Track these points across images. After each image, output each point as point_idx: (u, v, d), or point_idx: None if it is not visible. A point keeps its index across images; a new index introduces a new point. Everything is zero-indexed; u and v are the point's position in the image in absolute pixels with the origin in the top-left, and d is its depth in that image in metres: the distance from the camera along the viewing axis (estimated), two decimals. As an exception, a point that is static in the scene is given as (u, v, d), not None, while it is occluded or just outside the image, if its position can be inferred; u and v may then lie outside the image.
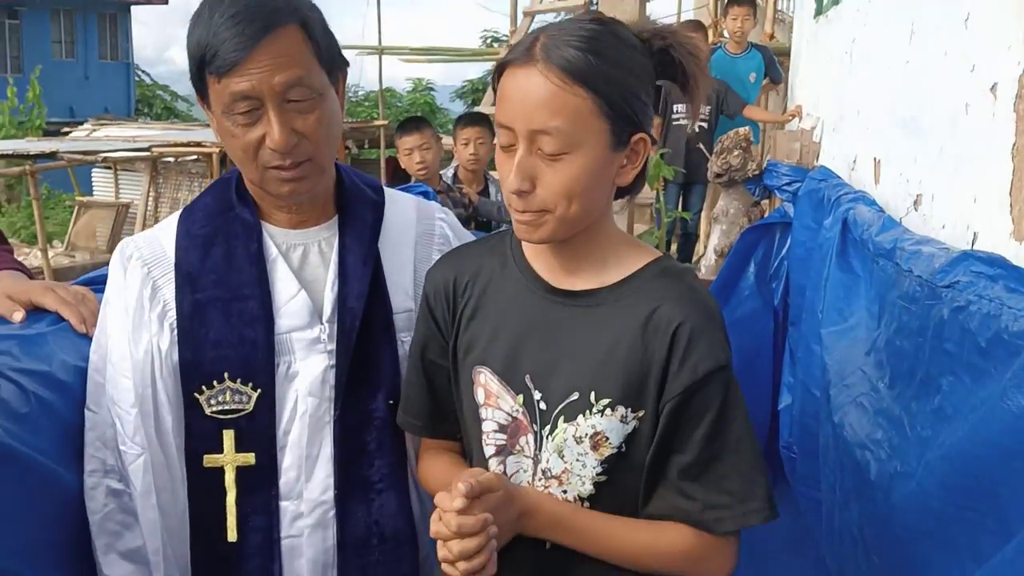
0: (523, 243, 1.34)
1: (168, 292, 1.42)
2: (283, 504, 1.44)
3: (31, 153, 11.38)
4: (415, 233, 1.56)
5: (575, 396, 1.25)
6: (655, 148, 5.75)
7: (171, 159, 12.70)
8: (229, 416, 1.41)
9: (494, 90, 1.25)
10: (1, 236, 1.74)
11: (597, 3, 9.44)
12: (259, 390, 1.41)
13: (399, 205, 1.58)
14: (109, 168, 14.24)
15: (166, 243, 1.45)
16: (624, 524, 1.26)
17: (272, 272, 1.43)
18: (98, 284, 1.61)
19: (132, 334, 1.40)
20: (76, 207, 13.59)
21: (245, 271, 1.42)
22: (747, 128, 3.05)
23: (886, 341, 1.63)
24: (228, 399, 1.40)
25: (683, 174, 5.60)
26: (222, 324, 1.40)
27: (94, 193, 15.24)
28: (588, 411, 1.24)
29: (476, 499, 1.16)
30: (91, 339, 1.46)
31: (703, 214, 6.09)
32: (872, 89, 2.68)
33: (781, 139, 3.00)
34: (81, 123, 18.32)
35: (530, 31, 1.23)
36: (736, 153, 2.94)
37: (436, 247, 1.56)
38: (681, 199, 5.98)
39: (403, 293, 1.50)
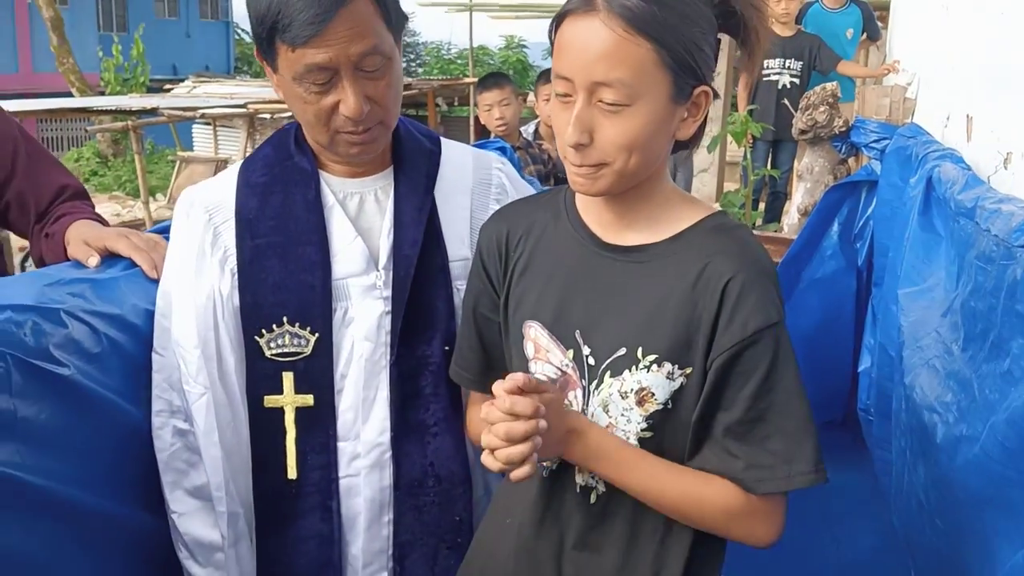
0: (576, 197, 1.33)
1: (229, 238, 1.46)
2: (341, 445, 1.48)
3: (134, 109, 11.76)
4: (472, 182, 1.57)
5: (622, 351, 1.24)
6: (744, 104, 5.62)
7: (267, 115, 12.94)
8: (288, 359, 1.44)
9: (551, 41, 1.22)
10: (84, 192, 1.82)
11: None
12: (317, 334, 1.44)
13: (455, 155, 1.59)
14: (208, 124, 14.59)
15: (227, 191, 1.49)
16: (671, 468, 1.25)
17: (329, 219, 1.46)
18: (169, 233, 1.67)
19: (194, 278, 1.45)
20: (177, 162, 13.99)
21: (303, 218, 1.45)
22: (834, 84, 2.94)
23: (961, 302, 1.57)
24: (287, 342, 1.44)
25: (772, 131, 5.46)
26: (281, 269, 1.44)
27: (194, 148, 15.65)
28: (634, 367, 1.23)
29: (531, 392, 1.14)
30: None
31: (793, 172, 5.94)
32: (967, 42, 2.56)
33: (870, 95, 2.89)
34: (182, 80, 18.81)
35: None
36: (822, 109, 2.84)
37: (494, 196, 1.57)
38: (770, 157, 5.84)
39: (459, 241, 1.52)
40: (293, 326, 1.44)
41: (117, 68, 18.75)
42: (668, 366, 1.22)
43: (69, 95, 17.26)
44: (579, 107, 1.16)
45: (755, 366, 1.19)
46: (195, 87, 16.21)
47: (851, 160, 3.10)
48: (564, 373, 1.30)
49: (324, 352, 1.45)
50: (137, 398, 1.45)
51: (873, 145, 2.75)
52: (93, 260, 1.53)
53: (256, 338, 1.45)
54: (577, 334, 1.27)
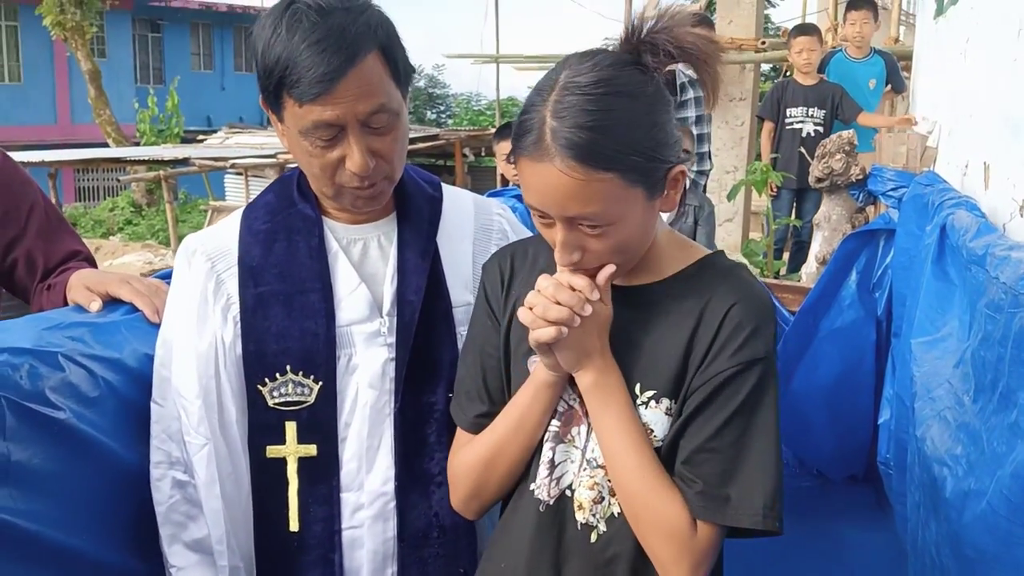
0: None
1: (232, 286, 1.45)
2: (344, 495, 1.46)
3: (167, 159, 11.98)
4: (473, 227, 1.57)
5: None
6: (768, 153, 5.62)
7: (295, 165, 13.14)
8: (291, 408, 1.43)
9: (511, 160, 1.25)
10: (93, 260, 1.83)
11: (715, 9, 9.28)
12: (320, 382, 1.43)
13: (457, 200, 1.59)
14: (240, 174, 14.82)
15: (229, 239, 1.48)
16: (651, 458, 1.22)
17: (333, 266, 1.46)
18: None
19: (196, 327, 1.44)
20: (209, 211, 14.20)
21: (307, 265, 1.45)
22: (851, 131, 2.93)
23: (972, 352, 1.54)
24: (290, 391, 1.43)
25: (796, 180, 5.45)
26: (284, 317, 1.43)
27: (226, 198, 15.88)
28: (633, 402, 1.23)
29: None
30: None
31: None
32: (984, 91, 2.55)
33: (887, 143, 2.87)
34: (216, 131, 19.16)
35: (533, 100, 1.17)
36: (839, 157, 2.83)
37: (495, 242, 1.57)
38: (795, 206, 5.81)
39: (462, 287, 1.52)
40: (296, 374, 1.43)
41: (152, 119, 19.14)
42: (666, 402, 1.22)
43: (105, 146, 17.65)
44: (563, 235, 1.17)
45: (733, 396, 1.18)
46: (228, 138, 16.52)
47: (869, 208, 3.08)
48: (570, 407, 1.30)
49: (327, 401, 1.44)
50: (134, 443, 1.45)
51: (890, 193, 2.73)
52: (94, 305, 1.54)
53: (259, 387, 1.44)
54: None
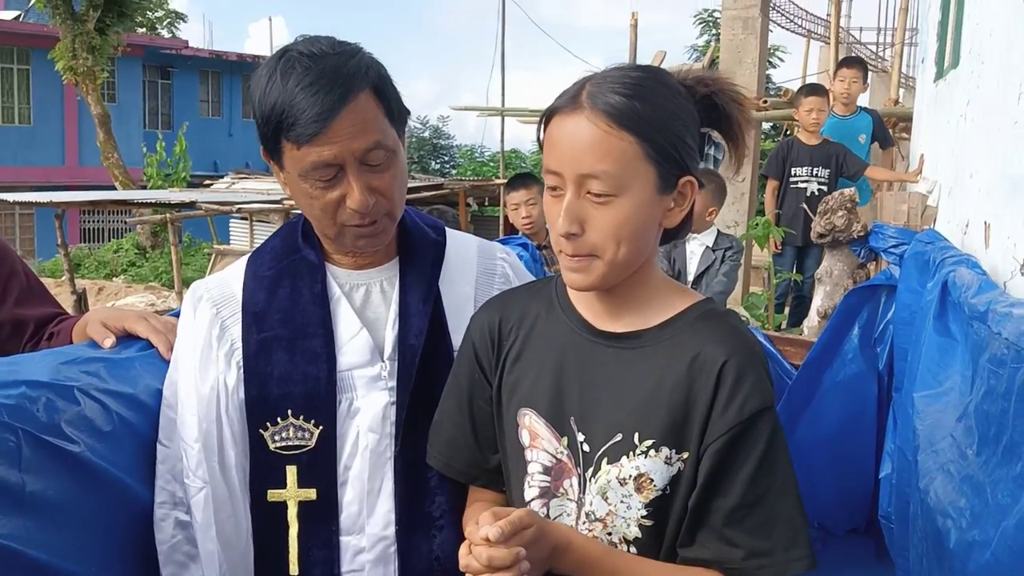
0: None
1: (236, 331, 1.47)
2: (344, 539, 1.46)
3: (173, 202, 12.06)
4: (476, 272, 1.59)
5: (618, 437, 1.24)
6: (772, 211, 5.67)
7: (300, 211, 13.21)
8: (292, 452, 1.44)
9: (538, 141, 1.27)
10: (71, 318, 1.79)
11: (718, 67, 9.43)
12: (321, 427, 1.44)
13: (460, 244, 1.61)
14: (245, 219, 14.92)
15: (235, 285, 1.51)
16: (655, 568, 1.24)
17: (335, 311, 1.48)
18: (189, 316, 1.70)
19: (199, 371, 1.46)
20: (213, 254, 14.27)
21: (309, 310, 1.47)
22: (852, 189, 2.97)
23: (975, 406, 1.56)
24: (291, 435, 1.44)
25: (800, 236, 5.50)
26: (286, 362, 1.45)
27: (231, 242, 15.97)
28: (631, 452, 1.23)
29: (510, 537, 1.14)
30: None
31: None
32: (985, 151, 2.60)
33: (888, 201, 2.91)
34: (222, 176, 19.31)
35: (578, 79, 1.24)
36: (840, 214, 2.86)
37: (497, 286, 1.58)
38: (797, 262, 5.85)
39: (463, 330, 1.52)
40: (297, 419, 1.44)
41: (160, 164, 19.29)
42: (666, 451, 1.22)
43: (113, 189, 17.77)
44: (569, 199, 1.19)
45: (752, 449, 1.19)
46: (234, 183, 16.64)
47: (870, 264, 3.11)
48: (559, 461, 1.30)
49: (328, 445, 1.45)
50: (146, 478, 1.46)
51: (892, 250, 2.76)
52: (108, 341, 1.56)
53: (260, 431, 1.45)
54: (572, 421, 1.28)
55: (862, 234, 2.90)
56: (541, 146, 1.26)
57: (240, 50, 28.23)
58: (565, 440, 1.28)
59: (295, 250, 1.51)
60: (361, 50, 1.39)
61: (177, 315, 1.67)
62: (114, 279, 16.74)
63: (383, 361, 1.48)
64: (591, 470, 1.26)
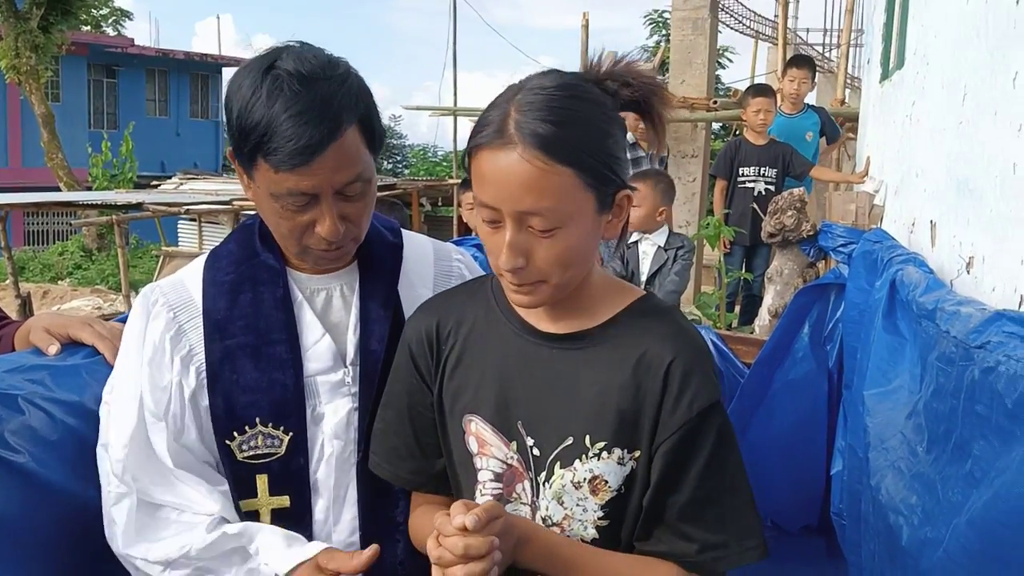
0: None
1: (194, 337, 1.43)
2: None
3: (119, 204, 11.84)
4: (433, 273, 1.58)
5: (569, 441, 1.24)
6: (720, 209, 5.73)
7: (252, 212, 13.05)
8: (261, 460, 1.42)
9: (465, 167, 1.23)
10: (13, 322, 1.73)
11: (668, 74, 9.50)
12: (291, 433, 1.42)
13: (416, 246, 1.60)
14: (193, 220, 14.69)
15: (192, 289, 1.46)
16: (616, 559, 1.24)
17: (298, 316, 1.45)
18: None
19: (148, 374, 1.40)
20: (161, 256, 14.03)
21: (273, 316, 1.44)
22: (801, 189, 3.01)
23: (925, 404, 1.58)
24: (260, 443, 1.42)
25: (748, 235, 5.56)
26: (252, 369, 1.42)
27: (179, 244, 15.72)
28: (584, 455, 1.23)
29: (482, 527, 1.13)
30: None
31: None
32: (930, 151, 2.64)
33: (836, 200, 2.95)
34: (170, 177, 19.01)
35: (496, 101, 1.19)
36: (790, 213, 2.90)
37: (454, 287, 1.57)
38: (746, 261, 5.92)
39: None
40: (266, 427, 1.42)
41: (106, 164, 18.94)
42: (618, 451, 1.22)
43: (57, 190, 17.41)
44: (511, 234, 1.16)
45: (702, 445, 1.20)
46: (182, 184, 16.37)
47: (820, 263, 3.15)
48: (509, 466, 1.29)
49: (299, 451, 1.43)
50: (93, 486, 1.42)
51: (840, 249, 2.80)
52: (53, 348, 1.52)
53: (227, 442, 1.42)
54: (520, 425, 1.27)
55: (811, 233, 2.94)
56: (468, 175, 1.22)
57: (188, 48, 27.80)
58: (514, 445, 1.28)
59: (253, 254, 1.47)
60: (351, 73, 1.34)
61: (124, 320, 1.63)
62: (59, 282, 16.39)
63: (346, 367, 1.46)
64: (543, 474, 1.26)
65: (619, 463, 1.23)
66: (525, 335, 1.29)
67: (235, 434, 1.41)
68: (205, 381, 1.41)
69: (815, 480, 2.73)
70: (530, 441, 1.26)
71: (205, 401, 1.42)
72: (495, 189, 1.15)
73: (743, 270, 5.76)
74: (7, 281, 12.03)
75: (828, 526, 2.56)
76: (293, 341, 1.43)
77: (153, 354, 1.41)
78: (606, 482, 1.23)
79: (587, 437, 1.23)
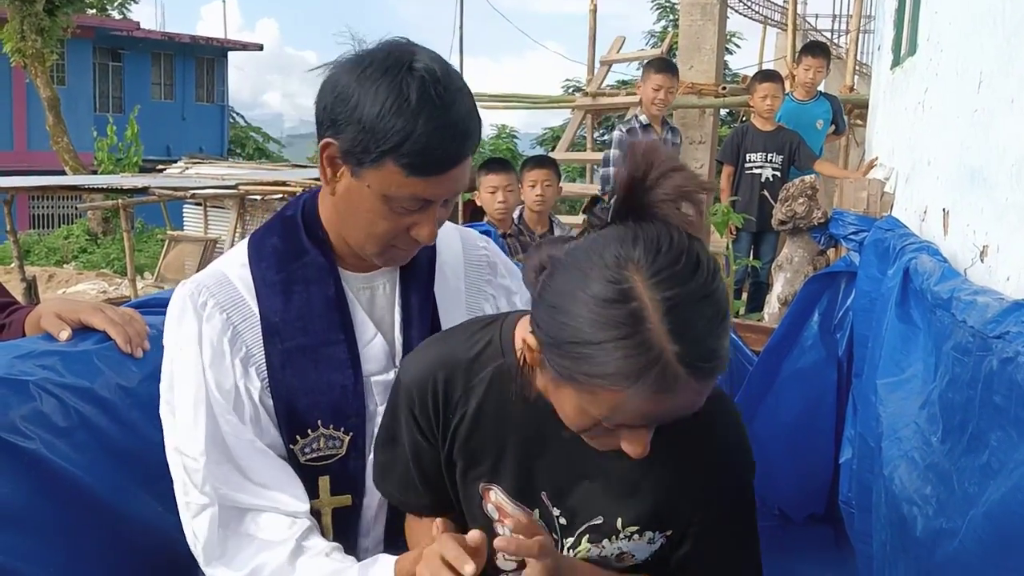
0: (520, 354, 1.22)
1: (250, 338, 1.39)
2: (360, 540, 1.47)
3: (125, 188, 11.83)
4: (464, 264, 1.57)
5: (599, 520, 1.22)
6: (726, 196, 5.71)
7: (257, 197, 13.04)
8: (323, 463, 1.41)
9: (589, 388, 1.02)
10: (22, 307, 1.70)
11: (676, 54, 9.46)
12: (351, 434, 1.41)
13: (444, 235, 1.54)
14: (199, 204, 14.69)
15: (239, 285, 1.42)
16: None
17: (352, 316, 1.43)
18: (146, 308, 1.66)
19: (213, 378, 1.36)
20: (166, 241, 14.04)
21: (328, 316, 1.41)
22: (813, 176, 3.00)
23: (939, 394, 1.57)
24: (322, 446, 1.40)
25: (755, 222, 5.53)
26: (312, 371, 1.39)
27: (184, 228, 15.72)
28: (614, 536, 1.23)
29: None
30: (136, 358, 1.51)
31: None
32: (942, 139, 2.62)
33: (848, 188, 2.93)
34: (175, 161, 18.99)
35: (608, 319, 0.97)
36: (801, 201, 2.89)
37: (485, 277, 1.58)
38: (753, 248, 5.89)
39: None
40: (328, 428, 1.40)
41: (111, 148, 18.92)
42: (649, 534, 1.23)
43: (63, 174, 17.40)
44: (649, 436, 1.07)
45: (736, 523, 1.25)
46: (188, 168, 16.37)
47: (830, 251, 3.14)
48: None
49: (358, 451, 1.42)
50: (104, 474, 1.42)
51: (852, 237, 2.79)
52: (64, 334, 1.51)
53: (291, 446, 1.40)
54: (544, 496, 1.23)
55: (822, 221, 2.93)
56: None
57: (193, 32, 27.69)
58: (537, 512, 1.24)
59: (302, 251, 1.43)
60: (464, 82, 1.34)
61: (136, 306, 1.63)
62: (65, 266, 16.42)
63: (395, 366, 1.44)
64: (571, 540, 1.25)
65: (649, 543, 1.23)
66: (547, 406, 1.15)
67: (298, 437, 1.40)
68: (268, 383, 1.39)
69: (822, 469, 2.73)
70: (556, 511, 1.24)
71: (269, 402, 1.39)
72: (655, 417, 1.02)
73: (750, 256, 5.74)
74: (12, 264, 12.05)
75: (834, 515, 2.57)
76: (351, 342, 1.41)
77: (213, 357, 1.36)
78: (633, 556, 1.24)
79: (619, 520, 1.21)
